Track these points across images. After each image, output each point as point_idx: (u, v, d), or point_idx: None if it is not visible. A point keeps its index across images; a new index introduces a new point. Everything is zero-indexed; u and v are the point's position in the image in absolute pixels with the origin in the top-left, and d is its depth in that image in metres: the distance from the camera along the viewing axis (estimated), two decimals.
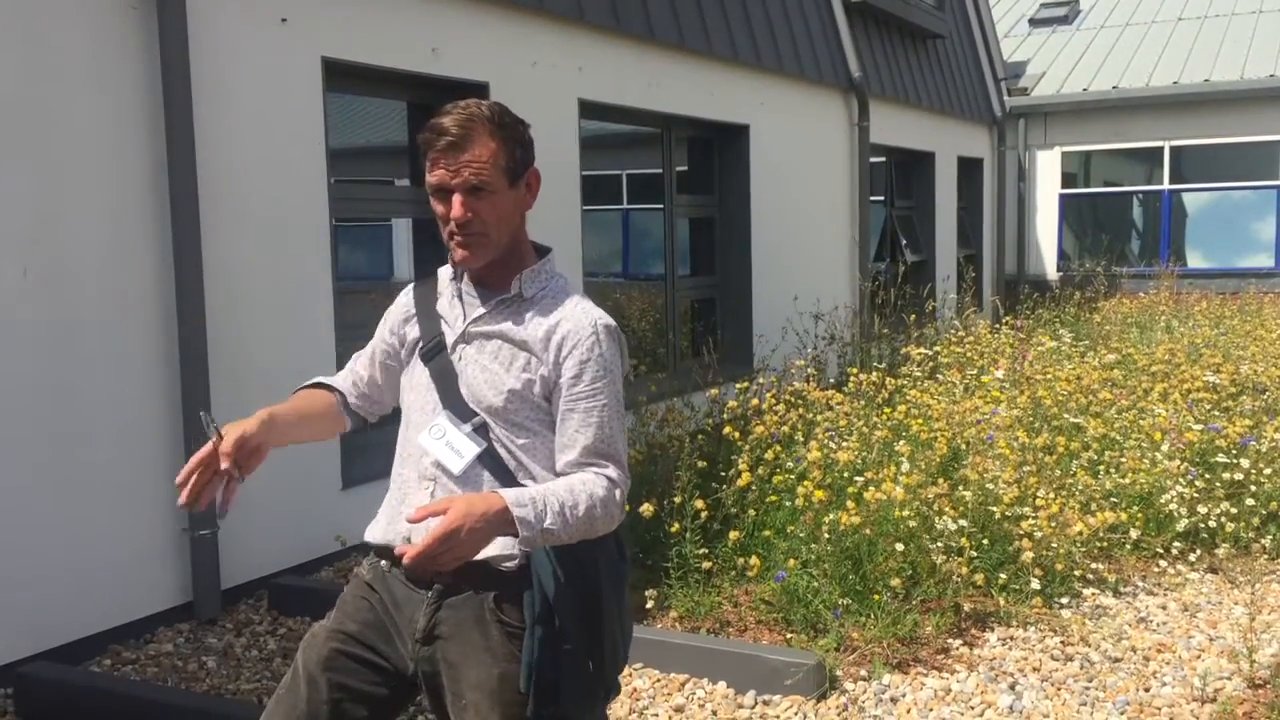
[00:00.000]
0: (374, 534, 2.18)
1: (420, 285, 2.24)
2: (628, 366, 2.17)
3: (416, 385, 2.16)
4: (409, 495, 2.11)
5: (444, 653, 2.05)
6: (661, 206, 8.26)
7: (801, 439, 5.07)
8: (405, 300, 2.25)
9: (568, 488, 1.98)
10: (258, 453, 2.03)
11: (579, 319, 2.06)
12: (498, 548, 2.00)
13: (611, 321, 2.10)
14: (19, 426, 4.08)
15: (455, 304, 2.15)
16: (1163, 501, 5.13)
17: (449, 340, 2.13)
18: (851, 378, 5.96)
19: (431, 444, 2.07)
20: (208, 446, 1.97)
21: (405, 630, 2.10)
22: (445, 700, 2.08)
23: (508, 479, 2.05)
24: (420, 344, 2.16)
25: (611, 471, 2.03)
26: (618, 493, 2.03)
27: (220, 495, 1.99)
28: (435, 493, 2.07)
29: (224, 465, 1.95)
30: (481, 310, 2.11)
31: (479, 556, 1.93)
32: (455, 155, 1.99)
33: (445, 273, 2.21)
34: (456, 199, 2.00)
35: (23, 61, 4.07)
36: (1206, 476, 5.31)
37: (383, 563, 2.16)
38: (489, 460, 2.05)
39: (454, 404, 2.08)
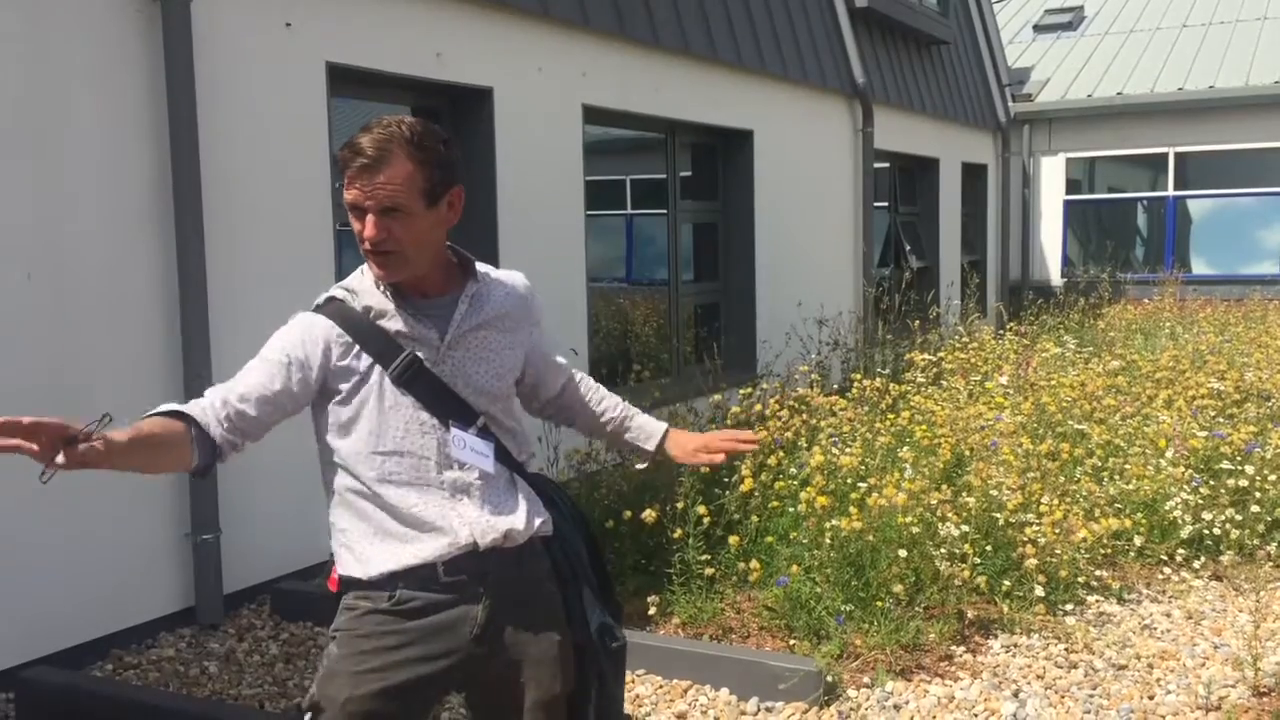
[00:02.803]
0: (425, 552, 2.11)
1: (337, 313, 2.12)
2: None
3: (394, 409, 2.11)
4: (447, 511, 2.12)
5: (501, 642, 2.15)
6: (665, 212, 8.26)
7: (805, 445, 5.06)
8: (329, 333, 2.10)
9: (617, 398, 2.50)
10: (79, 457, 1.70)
11: (521, 279, 2.32)
12: (540, 519, 2.21)
13: None
14: None
15: (417, 321, 2.12)
16: (1167, 508, 5.12)
17: (426, 354, 2.12)
18: (855, 383, 5.95)
19: (464, 455, 2.13)
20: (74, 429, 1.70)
21: (456, 634, 2.13)
22: (485, 688, 2.21)
23: (508, 458, 2.22)
24: (385, 370, 2.10)
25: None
26: None
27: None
28: (477, 497, 2.15)
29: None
30: (461, 310, 2.16)
31: (531, 529, 2.19)
32: (370, 177, 2.00)
33: (364, 296, 2.13)
34: (370, 219, 2.01)
35: (27, 65, 4.08)
36: (1211, 483, 5.29)
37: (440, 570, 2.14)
38: (498, 450, 2.19)
39: (455, 412, 2.13)
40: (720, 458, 2.41)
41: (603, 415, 2.47)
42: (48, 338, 4.15)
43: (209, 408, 2.01)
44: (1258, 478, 5.29)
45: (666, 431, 2.46)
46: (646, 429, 2.46)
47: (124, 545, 4.41)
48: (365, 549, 2.13)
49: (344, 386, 2.10)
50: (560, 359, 2.42)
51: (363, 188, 2.00)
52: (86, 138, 4.27)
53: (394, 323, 2.12)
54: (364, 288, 2.15)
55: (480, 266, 2.24)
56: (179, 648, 4.44)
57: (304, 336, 2.10)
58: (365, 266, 2.15)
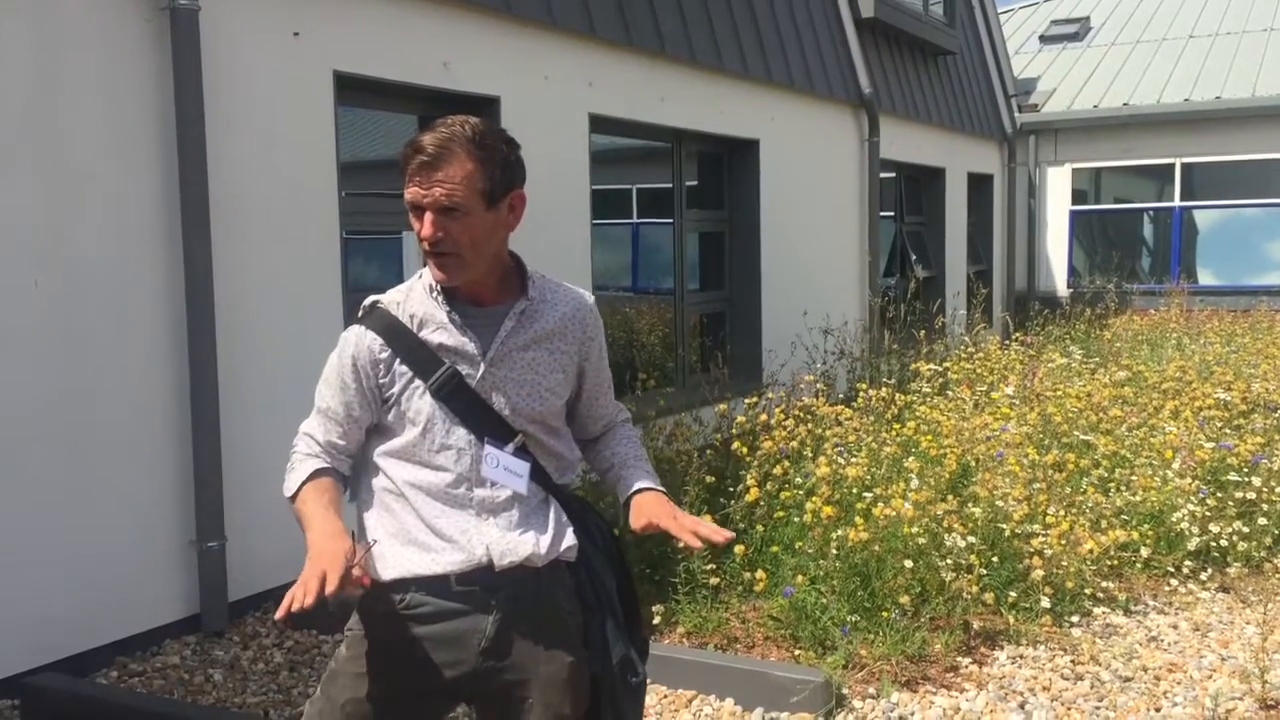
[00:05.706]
0: (440, 564, 2.10)
1: (379, 323, 2.12)
2: None
3: (432, 422, 2.10)
4: (469, 528, 2.09)
5: (510, 657, 2.11)
6: (671, 221, 8.26)
7: (810, 455, 5.05)
8: (371, 345, 2.11)
9: (638, 450, 2.34)
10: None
11: (582, 298, 2.25)
12: (566, 544, 2.15)
13: None
14: (28, 437, 4.08)
15: (462, 334, 2.10)
16: (1174, 520, 5.10)
17: (467, 370, 2.10)
18: (861, 393, 5.95)
19: (495, 474, 2.09)
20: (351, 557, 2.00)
21: (464, 645, 2.10)
22: (492, 703, 2.16)
23: (544, 479, 2.17)
24: (425, 382, 2.09)
25: (626, 413, 2.39)
26: None
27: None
28: (504, 517, 2.11)
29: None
30: (507, 327, 2.11)
31: (554, 554, 2.13)
32: (429, 174, 1.98)
33: (411, 303, 2.12)
34: (428, 217, 2.00)
35: (35, 75, 4.09)
36: (1218, 495, 5.28)
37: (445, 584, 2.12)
38: (534, 471, 2.15)
39: (491, 429, 2.10)
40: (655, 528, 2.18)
41: (613, 454, 2.35)
42: (54, 344, 4.16)
43: (331, 455, 2.14)
44: (1265, 489, 5.28)
45: (639, 491, 2.25)
46: (628, 481, 2.28)
47: (129, 553, 4.42)
48: (384, 550, 2.12)
49: (389, 395, 2.11)
50: (609, 405, 2.32)
51: (421, 184, 1.99)
52: (94, 146, 4.28)
53: (437, 334, 2.10)
54: (414, 294, 2.13)
55: (539, 278, 2.19)
56: (184, 655, 4.44)
57: (354, 354, 2.12)
58: (423, 271, 2.13)
